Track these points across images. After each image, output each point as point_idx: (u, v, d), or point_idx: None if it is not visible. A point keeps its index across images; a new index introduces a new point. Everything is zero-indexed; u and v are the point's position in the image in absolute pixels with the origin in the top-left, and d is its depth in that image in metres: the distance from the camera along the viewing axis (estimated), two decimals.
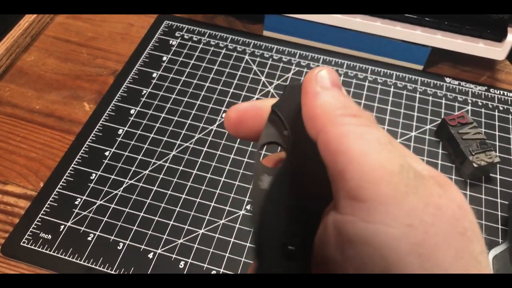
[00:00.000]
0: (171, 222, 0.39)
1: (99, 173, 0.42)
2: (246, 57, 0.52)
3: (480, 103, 0.49)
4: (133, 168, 0.42)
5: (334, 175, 0.16)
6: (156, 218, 0.39)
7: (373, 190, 0.15)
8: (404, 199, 0.15)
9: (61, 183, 0.41)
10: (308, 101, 0.18)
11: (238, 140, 0.45)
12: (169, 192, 0.41)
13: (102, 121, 0.45)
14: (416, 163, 0.17)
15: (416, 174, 0.15)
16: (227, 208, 0.40)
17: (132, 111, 0.46)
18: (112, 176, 0.42)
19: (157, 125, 0.45)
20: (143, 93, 0.48)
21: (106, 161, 0.43)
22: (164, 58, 0.51)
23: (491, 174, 0.43)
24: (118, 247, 0.38)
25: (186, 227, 0.39)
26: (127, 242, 0.38)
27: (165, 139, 0.44)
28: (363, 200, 0.15)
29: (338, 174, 0.15)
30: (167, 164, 0.43)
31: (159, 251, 0.38)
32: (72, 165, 0.42)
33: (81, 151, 0.43)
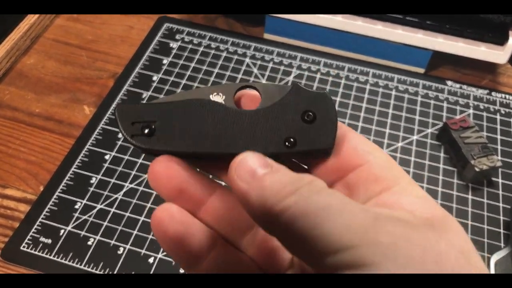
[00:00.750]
0: None
1: (99, 177, 0.42)
2: (247, 60, 0.52)
3: (481, 107, 0.49)
4: (134, 172, 0.42)
5: (307, 240, 0.15)
6: None
7: (359, 255, 0.14)
8: (397, 251, 0.14)
9: (61, 187, 0.41)
10: (243, 201, 0.17)
11: None
12: None
13: (102, 124, 0.45)
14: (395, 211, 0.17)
15: (399, 221, 0.15)
16: None
17: None
18: (113, 180, 0.41)
19: None
20: (143, 96, 0.48)
21: (106, 164, 0.42)
22: (165, 61, 0.51)
23: (493, 178, 0.43)
24: (119, 252, 0.38)
25: None
26: (128, 246, 0.38)
27: None
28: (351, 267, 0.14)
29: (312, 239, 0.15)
30: None
31: (159, 255, 0.38)
32: (72, 168, 0.42)
33: (81, 154, 0.43)
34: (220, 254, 0.20)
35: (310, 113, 0.19)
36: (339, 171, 0.19)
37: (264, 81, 0.50)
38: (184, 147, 0.19)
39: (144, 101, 0.47)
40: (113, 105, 0.47)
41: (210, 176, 0.22)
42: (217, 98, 0.20)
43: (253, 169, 0.17)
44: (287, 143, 0.19)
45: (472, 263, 0.15)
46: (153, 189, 0.21)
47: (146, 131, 0.19)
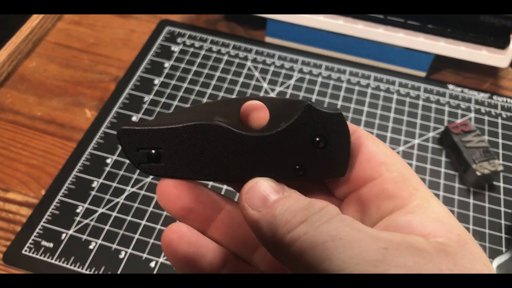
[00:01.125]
0: None
1: (100, 180, 0.42)
2: (248, 63, 0.52)
3: (483, 110, 0.49)
4: (135, 176, 0.42)
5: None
6: (158, 227, 0.39)
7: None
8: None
9: (62, 190, 0.41)
10: (254, 230, 0.17)
11: None
12: None
13: (104, 128, 0.45)
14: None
15: (410, 251, 0.14)
16: None
17: (134, 118, 0.46)
18: (114, 184, 0.41)
19: None
20: (145, 100, 0.48)
21: (108, 168, 0.42)
22: (166, 65, 0.51)
23: (494, 183, 0.43)
24: (120, 256, 0.38)
25: None
26: (129, 250, 0.38)
27: None
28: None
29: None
30: None
31: (161, 260, 0.38)
32: (74, 172, 0.42)
33: (83, 158, 0.43)
34: (232, 271, 0.20)
35: (322, 139, 0.18)
36: (352, 184, 0.19)
37: (265, 86, 0.50)
38: (191, 174, 0.19)
39: (146, 105, 0.47)
40: (115, 109, 0.47)
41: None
42: (223, 119, 0.19)
43: (264, 196, 0.17)
44: (297, 171, 0.18)
45: None
46: (162, 208, 0.21)
47: (153, 158, 0.19)
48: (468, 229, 0.40)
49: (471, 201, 0.42)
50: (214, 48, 0.53)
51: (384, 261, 0.14)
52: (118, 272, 0.37)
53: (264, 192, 0.17)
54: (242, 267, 0.21)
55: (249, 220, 0.17)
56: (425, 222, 0.16)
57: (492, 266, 0.15)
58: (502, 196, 0.43)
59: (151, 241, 0.38)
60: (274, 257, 0.17)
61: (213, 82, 0.50)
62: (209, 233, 0.21)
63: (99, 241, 0.38)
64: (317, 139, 0.18)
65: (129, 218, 0.40)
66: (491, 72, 0.53)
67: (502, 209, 0.42)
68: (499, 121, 0.48)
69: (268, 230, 0.16)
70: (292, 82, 0.50)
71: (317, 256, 0.14)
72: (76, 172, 0.42)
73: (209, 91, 0.49)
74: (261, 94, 0.49)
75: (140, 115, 0.46)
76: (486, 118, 0.48)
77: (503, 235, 0.40)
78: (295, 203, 0.16)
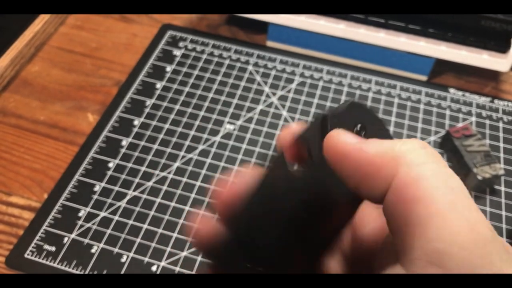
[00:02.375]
0: (175, 234, 0.39)
1: (103, 184, 0.42)
2: (250, 67, 0.52)
3: (484, 114, 0.49)
4: (137, 180, 0.42)
5: (408, 226, 0.13)
6: (160, 230, 0.39)
7: (463, 259, 0.12)
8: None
9: (65, 194, 0.41)
10: (356, 151, 0.15)
11: (242, 151, 0.45)
12: (173, 204, 0.41)
13: (106, 132, 0.46)
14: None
15: (505, 245, 0.13)
16: None
17: (135, 122, 0.46)
18: (116, 188, 0.42)
19: (161, 136, 0.45)
20: (146, 104, 0.48)
21: (110, 172, 0.43)
22: (168, 69, 0.51)
23: (495, 187, 0.43)
24: (122, 260, 0.38)
25: (190, 239, 0.39)
26: (131, 254, 0.38)
27: (168, 150, 0.44)
28: (450, 269, 0.12)
29: (414, 228, 0.13)
30: (170, 176, 0.43)
31: (162, 263, 0.38)
32: (76, 176, 0.42)
33: (85, 162, 0.43)
34: None
35: (362, 128, 0.18)
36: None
37: (266, 90, 0.50)
38: None
39: (148, 109, 0.48)
40: (117, 113, 0.47)
41: None
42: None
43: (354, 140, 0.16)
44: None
45: None
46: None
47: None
48: None
49: None
50: (216, 52, 0.53)
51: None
52: None
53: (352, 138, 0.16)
54: None
55: (350, 144, 0.15)
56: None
57: None
58: (503, 200, 0.43)
59: (153, 245, 0.39)
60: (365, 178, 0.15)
61: (215, 86, 0.50)
62: None
63: (101, 245, 0.38)
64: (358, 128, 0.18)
65: (131, 222, 0.40)
66: (492, 76, 0.53)
67: (504, 213, 0.42)
68: (501, 125, 0.48)
69: (375, 149, 0.15)
70: (293, 86, 0.50)
71: (411, 215, 0.13)
72: (79, 176, 0.42)
73: (210, 95, 0.49)
74: (262, 97, 0.49)
75: (142, 119, 0.47)
76: (487, 122, 0.49)
77: (505, 239, 0.40)
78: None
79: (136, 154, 0.44)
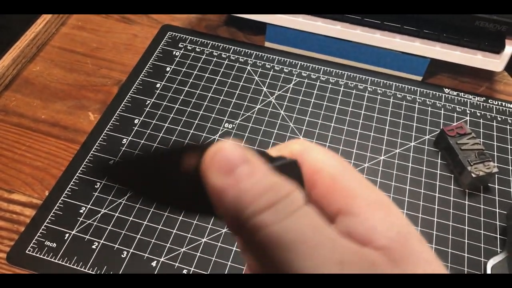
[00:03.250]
0: (174, 231, 0.40)
1: (103, 181, 0.42)
2: (248, 68, 0.53)
3: (478, 114, 0.50)
4: None
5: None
6: (160, 227, 0.40)
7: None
8: None
9: (66, 191, 0.42)
10: (215, 202, 0.15)
11: None
12: None
13: (107, 130, 0.46)
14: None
15: (362, 266, 0.14)
16: None
17: (136, 121, 0.47)
18: (116, 185, 0.42)
19: (161, 135, 0.46)
20: (146, 103, 0.49)
21: None
22: (168, 69, 0.52)
23: (489, 184, 0.44)
24: (122, 255, 0.38)
25: (189, 235, 0.40)
26: (131, 250, 0.39)
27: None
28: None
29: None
30: None
31: (162, 259, 0.38)
32: (77, 174, 0.43)
33: (86, 160, 0.44)
34: None
35: None
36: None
37: (264, 89, 0.51)
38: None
39: (147, 108, 0.48)
40: (117, 112, 0.48)
41: None
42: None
43: (231, 163, 0.15)
44: None
45: None
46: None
47: None
48: (463, 230, 0.41)
49: (467, 202, 0.43)
50: (215, 52, 0.54)
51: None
52: (120, 272, 0.38)
53: (231, 158, 0.15)
54: None
55: (212, 187, 0.15)
56: (367, 224, 0.16)
57: (436, 259, 0.16)
58: (497, 198, 0.43)
59: (153, 241, 0.39)
60: (230, 230, 0.16)
61: (214, 86, 0.51)
62: None
63: (102, 241, 0.39)
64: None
65: (131, 218, 0.40)
66: (486, 76, 0.54)
67: (497, 210, 0.42)
68: (494, 124, 0.49)
69: (231, 204, 0.15)
70: (290, 86, 0.51)
71: (280, 255, 0.14)
72: (79, 173, 0.43)
73: (209, 94, 0.50)
74: (260, 97, 0.50)
75: (142, 118, 0.47)
76: (481, 121, 0.49)
77: (498, 236, 0.41)
78: (263, 179, 0.15)
79: (137, 152, 0.45)
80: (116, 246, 0.39)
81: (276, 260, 0.14)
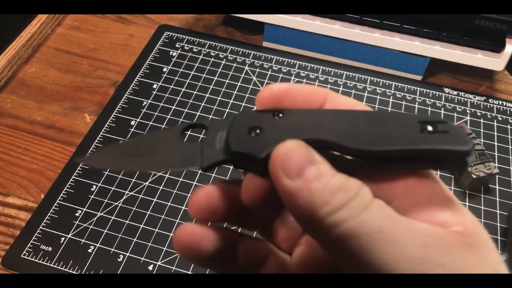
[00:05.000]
0: (171, 234, 0.39)
1: (99, 184, 0.42)
2: (246, 67, 0.52)
3: (479, 113, 0.49)
4: (133, 180, 0.42)
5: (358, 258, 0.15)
6: (156, 230, 0.40)
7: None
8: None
9: (61, 194, 0.41)
10: (287, 203, 0.16)
11: None
12: (169, 203, 0.41)
13: (103, 132, 0.46)
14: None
15: (444, 248, 0.15)
16: None
17: (132, 122, 0.47)
18: (113, 188, 0.42)
19: None
20: (143, 104, 0.48)
21: (106, 172, 0.43)
22: (165, 69, 0.51)
23: (490, 185, 0.44)
24: (119, 259, 0.38)
25: None
26: (127, 254, 0.38)
27: None
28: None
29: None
30: (167, 175, 0.43)
31: (159, 263, 0.38)
32: (73, 176, 0.43)
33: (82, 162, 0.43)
34: (243, 248, 0.21)
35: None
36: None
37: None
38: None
39: (144, 109, 0.48)
40: (114, 113, 0.47)
41: None
42: (164, 138, 0.21)
43: (300, 165, 0.16)
44: None
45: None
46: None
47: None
48: None
49: (467, 203, 0.42)
50: (212, 52, 0.53)
51: (426, 259, 0.14)
52: None
53: (300, 160, 0.16)
54: (251, 243, 0.22)
55: (283, 190, 0.16)
56: (443, 208, 0.17)
57: (499, 257, 0.16)
58: (497, 199, 0.43)
59: (149, 244, 0.39)
60: (307, 232, 0.17)
61: (211, 87, 0.50)
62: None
63: (98, 245, 0.39)
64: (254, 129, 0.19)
65: (127, 221, 0.40)
66: (487, 75, 0.53)
67: (498, 211, 0.42)
68: (495, 124, 0.49)
69: (304, 205, 0.15)
70: None
71: (361, 246, 0.15)
72: (75, 176, 0.43)
73: (207, 95, 0.49)
74: None
75: (138, 120, 0.47)
76: (481, 121, 0.49)
77: (499, 237, 0.41)
78: (332, 180, 0.16)
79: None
80: (113, 249, 0.38)
81: (359, 251, 0.15)
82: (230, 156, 0.18)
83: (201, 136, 0.46)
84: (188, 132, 0.21)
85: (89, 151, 0.44)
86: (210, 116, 0.47)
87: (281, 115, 0.19)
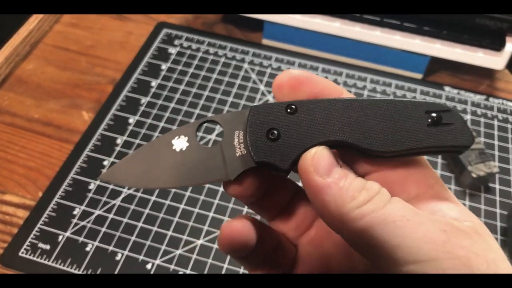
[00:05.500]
0: (170, 233, 0.39)
1: (97, 183, 0.42)
2: (245, 65, 0.52)
3: (479, 112, 0.49)
4: None
5: (381, 251, 0.16)
6: (155, 228, 0.39)
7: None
8: (472, 264, 0.16)
9: (59, 192, 0.41)
10: (316, 197, 0.18)
11: None
12: (167, 202, 0.41)
13: (101, 130, 0.45)
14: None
15: (461, 233, 0.16)
16: (226, 218, 0.40)
17: (130, 120, 0.46)
18: (111, 186, 0.42)
19: (156, 134, 0.45)
20: (141, 102, 0.48)
21: (104, 170, 0.43)
22: (163, 67, 0.51)
23: (490, 184, 0.43)
24: (117, 258, 0.38)
25: (185, 237, 0.39)
26: (126, 252, 0.38)
27: None
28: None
29: (386, 251, 0.16)
30: None
31: (157, 261, 0.38)
32: (71, 174, 0.42)
33: (80, 160, 0.43)
34: (284, 251, 0.22)
35: (275, 131, 0.19)
36: (378, 164, 0.20)
37: (262, 88, 0.50)
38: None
39: (142, 107, 0.47)
40: (112, 111, 0.47)
41: None
42: (180, 141, 0.20)
43: (330, 165, 0.18)
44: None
45: (508, 265, 0.17)
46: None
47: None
48: None
49: (467, 202, 0.42)
50: (211, 50, 0.53)
51: (449, 241, 0.16)
52: None
53: (329, 161, 0.18)
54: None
55: (313, 185, 0.17)
56: (451, 209, 0.18)
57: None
58: (497, 198, 0.43)
59: (148, 243, 0.39)
60: (333, 229, 0.18)
61: (210, 84, 0.50)
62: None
63: (96, 243, 0.38)
64: (270, 131, 0.19)
65: (125, 220, 0.40)
66: (487, 74, 0.53)
67: (498, 210, 0.42)
68: (495, 123, 0.48)
69: (332, 200, 0.17)
70: None
71: (388, 232, 0.16)
72: (73, 174, 0.42)
73: (205, 93, 0.49)
74: (258, 96, 0.49)
75: (137, 117, 0.47)
76: (482, 120, 0.49)
77: (499, 236, 0.40)
78: (355, 181, 0.17)
79: (131, 152, 0.44)
80: (111, 248, 0.38)
81: (386, 237, 0.16)
82: (254, 164, 0.19)
83: (216, 134, 0.45)
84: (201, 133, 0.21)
85: (88, 148, 0.44)
86: (209, 114, 0.47)
87: (294, 107, 0.19)
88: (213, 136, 0.45)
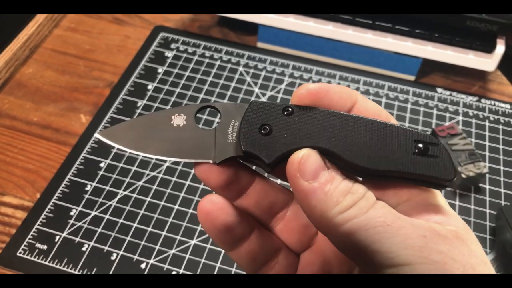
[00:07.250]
0: (164, 233, 0.40)
1: (94, 184, 0.43)
2: (240, 68, 0.53)
3: (471, 113, 0.50)
4: (128, 179, 0.43)
5: (366, 255, 0.17)
6: (149, 229, 0.40)
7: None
8: (447, 269, 0.16)
9: (57, 194, 0.42)
10: (303, 202, 0.18)
11: None
12: (162, 203, 0.42)
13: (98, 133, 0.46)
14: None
15: (441, 238, 0.17)
16: None
17: None
18: (107, 187, 0.42)
19: None
20: (138, 105, 0.49)
21: (101, 172, 0.43)
22: (160, 70, 0.52)
23: (480, 184, 0.44)
24: (112, 258, 0.39)
25: (179, 237, 0.40)
26: (121, 252, 0.39)
27: None
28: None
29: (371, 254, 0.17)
30: (160, 175, 0.43)
31: (151, 261, 0.39)
32: (68, 176, 0.43)
33: (77, 162, 0.44)
34: (257, 237, 0.22)
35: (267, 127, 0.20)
36: None
37: (256, 90, 0.51)
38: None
39: (139, 110, 0.48)
40: (109, 114, 0.48)
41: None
42: (179, 119, 0.21)
43: (316, 169, 0.18)
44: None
45: (492, 271, 0.17)
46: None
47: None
48: None
49: (457, 203, 0.43)
50: (207, 53, 0.54)
51: (426, 247, 0.16)
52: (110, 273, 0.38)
53: (316, 165, 0.18)
54: (265, 234, 0.23)
55: (299, 190, 0.18)
56: (438, 213, 0.19)
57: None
58: (487, 198, 0.43)
59: (142, 243, 0.39)
60: (319, 230, 0.18)
61: (205, 87, 0.51)
62: (240, 202, 0.23)
63: (92, 243, 0.39)
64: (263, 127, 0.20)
65: (121, 220, 0.41)
66: (479, 75, 0.54)
67: (487, 210, 0.42)
68: (487, 123, 0.49)
69: (317, 205, 0.18)
70: (283, 86, 0.51)
71: (368, 237, 0.17)
72: (71, 175, 0.43)
73: (201, 96, 0.50)
74: (252, 98, 0.50)
75: None
76: (473, 121, 0.49)
77: (488, 236, 0.41)
78: (342, 184, 0.18)
79: (127, 154, 0.45)
80: (106, 248, 0.39)
81: (367, 242, 0.17)
82: (241, 153, 0.20)
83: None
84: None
85: (85, 151, 0.45)
86: (204, 117, 0.48)
87: (290, 109, 0.20)
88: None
